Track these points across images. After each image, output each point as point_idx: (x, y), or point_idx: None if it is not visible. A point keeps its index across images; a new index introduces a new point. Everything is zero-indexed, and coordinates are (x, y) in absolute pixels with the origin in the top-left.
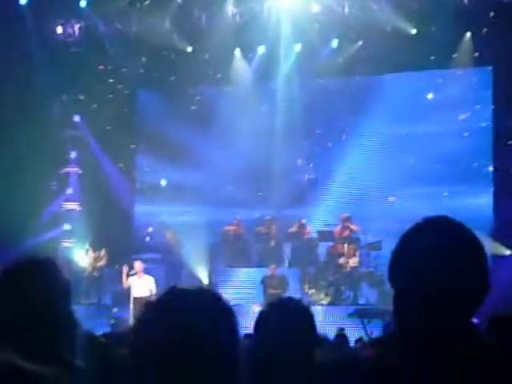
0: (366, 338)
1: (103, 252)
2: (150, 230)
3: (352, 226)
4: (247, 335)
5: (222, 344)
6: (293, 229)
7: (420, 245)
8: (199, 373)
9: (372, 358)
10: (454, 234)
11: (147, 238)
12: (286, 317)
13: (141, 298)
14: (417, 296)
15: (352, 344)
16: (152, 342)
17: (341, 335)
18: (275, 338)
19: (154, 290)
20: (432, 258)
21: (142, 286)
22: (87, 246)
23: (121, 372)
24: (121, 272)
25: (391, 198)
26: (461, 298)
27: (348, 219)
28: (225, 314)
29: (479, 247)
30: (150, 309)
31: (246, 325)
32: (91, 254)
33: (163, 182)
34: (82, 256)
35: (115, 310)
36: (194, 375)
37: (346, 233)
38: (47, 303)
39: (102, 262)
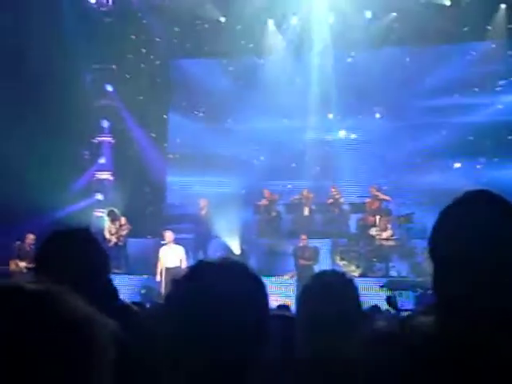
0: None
1: (123, 220)
2: (182, 200)
3: (382, 196)
4: (281, 306)
5: (253, 316)
6: (326, 200)
7: (463, 217)
8: (230, 346)
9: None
10: (497, 206)
11: (179, 208)
12: (331, 290)
13: (171, 268)
14: (463, 269)
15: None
16: (182, 319)
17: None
18: (321, 310)
19: (185, 260)
20: (476, 229)
21: (173, 255)
22: (106, 218)
23: (154, 345)
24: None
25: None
26: (505, 271)
27: (378, 190)
28: (253, 285)
29: None
30: (177, 286)
31: (277, 293)
32: (111, 225)
33: (197, 151)
34: (106, 226)
35: (146, 279)
36: (224, 348)
37: (377, 204)
38: (89, 271)
39: (124, 231)
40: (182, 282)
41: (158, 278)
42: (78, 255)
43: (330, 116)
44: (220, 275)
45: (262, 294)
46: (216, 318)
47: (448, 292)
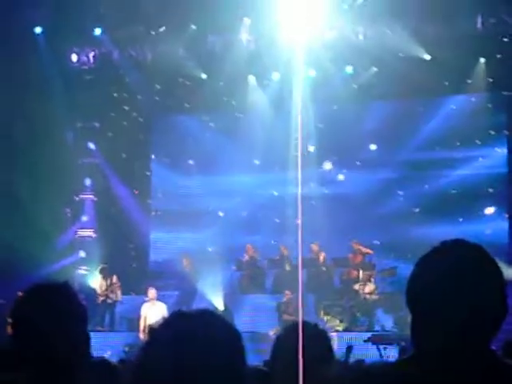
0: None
1: (115, 279)
2: (166, 256)
3: (364, 250)
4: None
5: (228, 366)
6: (308, 255)
7: (439, 267)
8: None
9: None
10: (473, 256)
11: (162, 265)
12: (302, 340)
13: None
14: (437, 318)
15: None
16: (157, 366)
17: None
18: (292, 361)
19: None
20: (452, 279)
21: (156, 312)
22: (98, 273)
23: None
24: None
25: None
26: (481, 321)
27: (358, 244)
28: (229, 334)
29: (498, 270)
30: (153, 335)
31: (262, 351)
32: (103, 281)
33: (180, 207)
34: (95, 283)
35: (129, 336)
36: None
37: (359, 258)
38: (65, 327)
39: (116, 289)
40: (157, 330)
41: (141, 335)
42: (53, 309)
43: (312, 169)
44: (195, 324)
45: (237, 343)
46: (192, 365)
47: (424, 343)
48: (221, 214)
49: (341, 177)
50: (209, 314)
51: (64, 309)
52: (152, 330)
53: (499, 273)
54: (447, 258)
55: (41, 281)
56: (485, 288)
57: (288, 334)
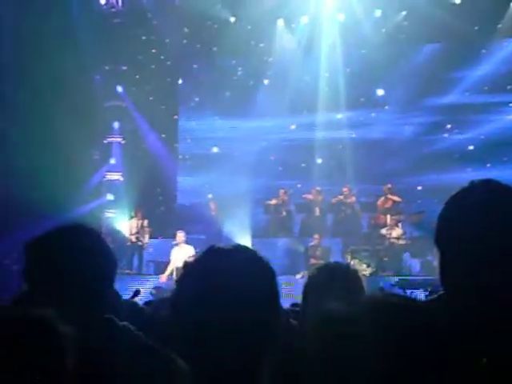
0: None
1: (146, 222)
2: (192, 200)
3: (394, 198)
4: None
5: (262, 302)
6: (336, 198)
7: (468, 203)
8: (237, 333)
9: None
10: (503, 194)
11: (190, 209)
12: (333, 279)
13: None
14: (468, 255)
15: None
16: (191, 301)
17: None
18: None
19: None
20: (482, 215)
21: (184, 255)
22: (132, 215)
23: (164, 336)
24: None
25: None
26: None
27: (390, 190)
28: (263, 271)
29: None
30: (188, 269)
31: (289, 294)
32: (135, 223)
33: (208, 151)
34: (125, 225)
35: (157, 279)
36: (231, 335)
37: (389, 204)
38: (92, 266)
39: (145, 233)
40: (192, 263)
41: (162, 279)
42: (80, 248)
43: (340, 115)
44: (231, 259)
45: (272, 277)
46: (227, 301)
47: (454, 281)
48: (248, 157)
49: (368, 121)
50: (243, 249)
51: (90, 249)
52: (187, 264)
53: None
54: (476, 195)
55: (67, 222)
56: None
57: (321, 272)
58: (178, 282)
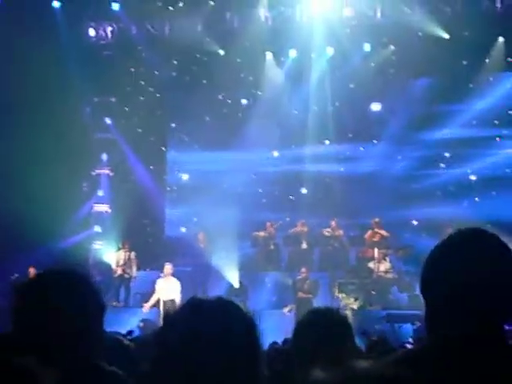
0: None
1: (133, 255)
2: (180, 232)
3: (382, 232)
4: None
5: (244, 357)
6: (324, 231)
7: (456, 255)
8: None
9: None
10: (490, 244)
11: (177, 241)
12: (323, 328)
13: (169, 301)
14: (453, 307)
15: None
16: (171, 355)
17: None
18: (313, 347)
19: (179, 294)
20: (469, 267)
21: (170, 288)
22: (120, 246)
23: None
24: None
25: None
26: (497, 308)
27: (378, 224)
28: (245, 326)
29: None
30: (170, 322)
31: (277, 327)
32: (122, 255)
33: (196, 183)
34: (112, 257)
35: (144, 312)
36: None
37: (377, 237)
38: (80, 310)
39: (132, 265)
40: (174, 318)
41: (144, 309)
42: (67, 294)
43: (328, 146)
44: (212, 314)
45: (254, 334)
46: (207, 358)
47: (439, 332)
48: (236, 190)
49: (357, 155)
50: (223, 304)
51: (79, 292)
52: (166, 320)
53: None
54: (462, 246)
55: (60, 259)
56: (502, 276)
57: (310, 320)
58: (158, 335)
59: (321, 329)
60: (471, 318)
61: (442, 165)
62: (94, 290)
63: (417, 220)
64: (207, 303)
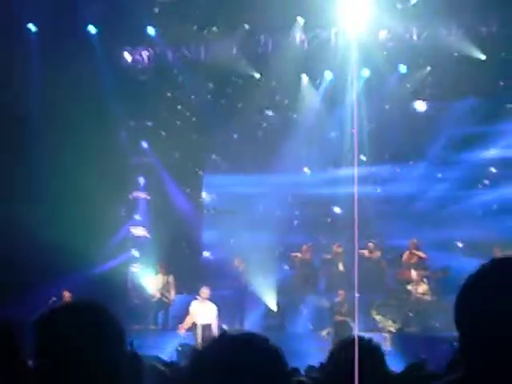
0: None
1: (171, 278)
2: (218, 255)
3: (419, 253)
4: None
5: None
6: (363, 253)
7: (490, 286)
8: None
9: None
10: None
11: (214, 264)
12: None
13: (206, 325)
14: (489, 339)
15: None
16: None
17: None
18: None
19: (215, 319)
20: (504, 298)
21: (206, 312)
22: (158, 271)
23: None
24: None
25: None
26: None
27: (415, 245)
28: (273, 360)
29: None
30: (197, 358)
31: (313, 351)
32: (161, 279)
33: (233, 206)
34: (151, 281)
35: (182, 336)
36: None
37: (414, 259)
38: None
39: (170, 288)
40: (204, 354)
41: (180, 331)
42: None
43: (365, 168)
44: (241, 349)
45: (281, 368)
46: None
47: (475, 364)
48: (273, 212)
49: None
50: (253, 341)
51: (96, 333)
52: (197, 356)
53: None
54: (496, 276)
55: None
56: None
57: (342, 350)
58: (188, 370)
59: (352, 361)
60: (504, 346)
61: (481, 186)
62: (109, 318)
63: (462, 241)
64: (236, 337)
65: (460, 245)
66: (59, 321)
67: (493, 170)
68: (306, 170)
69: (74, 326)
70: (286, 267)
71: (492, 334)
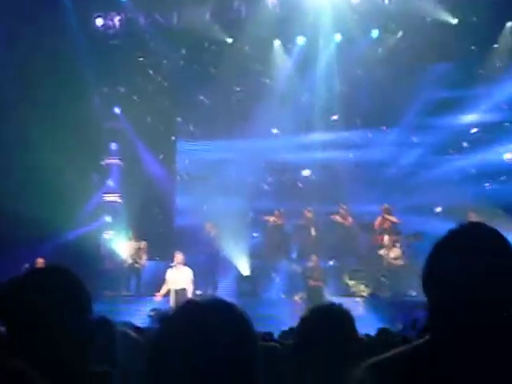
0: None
1: (143, 244)
2: (191, 221)
3: (391, 218)
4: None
5: (241, 354)
6: (334, 217)
7: (455, 254)
8: None
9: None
10: (491, 238)
11: (188, 230)
12: (328, 325)
13: (180, 290)
14: (453, 310)
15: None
16: (168, 358)
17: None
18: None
19: (191, 283)
20: (470, 268)
21: (181, 277)
22: (130, 237)
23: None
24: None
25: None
26: (500, 305)
27: (388, 211)
28: (239, 327)
29: None
30: (165, 325)
31: (287, 316)
32: (133, 245)
33: (206, 172)
34: (123, 247)
35: (155, 301)
36: None
37: (387, 224)
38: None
39: (142, 254)
40: (171, 320)
41: (157, 299)
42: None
43: (337, 133)
44: (206, 315)
45: (247, 332)
46: (202, 357)
47: (437, 336)
48: (245, 178)
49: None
50: (219, 307)
51: (61, 297)
52: (165, 321)
53: None
54: (463, 240)
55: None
56: (505, 273)
57: (312, 315)
58: (154, 337)
59: (322, 327)
60: (474, 309)
61: (453, 151)
62: (76, 282)
63: (436, 206)
64: (203, 304)
65: (438, 210)
66: (26, 284)
67: (466, 135)
68: (275, 131)
69: (40, 289)
70: (258, 233)
71: (459, 296)
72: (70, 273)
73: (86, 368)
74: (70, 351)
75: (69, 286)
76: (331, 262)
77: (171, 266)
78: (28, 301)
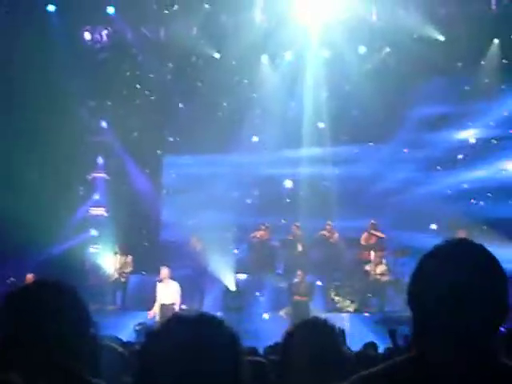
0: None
1: (129, 258)
2: (176, 236)
3: (378, 234)
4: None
5: (224, 372)
6: (319, 234)
7: (440, 270)
8: None
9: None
10: (476, 253)
11: (173, 244)
12: (313, 340)
13: (167, 305)
14: (437, 324)
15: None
16: (154, 372)
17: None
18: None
19: (179, 297)
20: (454, 283)
21: (168, 292)
22: (116, 251)
23: None
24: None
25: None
26: (483, 323)
27: (374, 226)
28: (226, 342)
29: (501, 270)
30: (151, 339)
31: (273, 332)
32: (118, 259)
33: (192, 186)
34: (109, 261)
35: (141, 315)
36: None
37: (373, 240)
38: (68, 323)
39: (128, 268)
40: (157, 334)
41: (150, 315)
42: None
43: (324, 149)
44: (193, 329)
45: (234, 347)
46: (188, 371)
47: (420, 347)
48: (231, 193)
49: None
50: (206, 321)
51: (66, 306)
52: (150, 335)
53: (502, 273)
54: (449, 260)
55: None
56: (488, 290)
57: (297, 331)
58: (141, 353)
59: (309, 342)
60: (456, 333)
61: (441, 168)
62: (78, 300)
63: (426, 223)
64: (190, 318)
65: (433, 227)
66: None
67: (453, 151)
68: (256, 141)
69: (41, 301)
70: (240, 249)
71: (443, 311)
72: (69, 287)
73: (87, 379)
74: (73, 362)
75: (71, 299)
76: (317, 278)
77: (159, 281)
78: (29, 311)
